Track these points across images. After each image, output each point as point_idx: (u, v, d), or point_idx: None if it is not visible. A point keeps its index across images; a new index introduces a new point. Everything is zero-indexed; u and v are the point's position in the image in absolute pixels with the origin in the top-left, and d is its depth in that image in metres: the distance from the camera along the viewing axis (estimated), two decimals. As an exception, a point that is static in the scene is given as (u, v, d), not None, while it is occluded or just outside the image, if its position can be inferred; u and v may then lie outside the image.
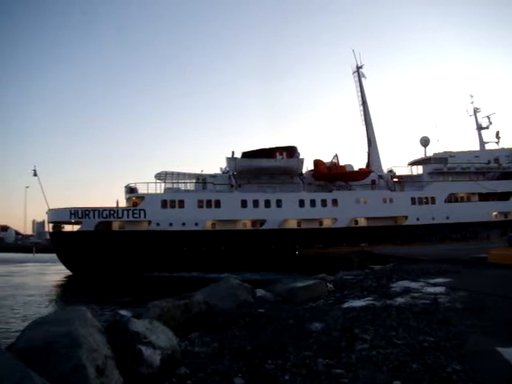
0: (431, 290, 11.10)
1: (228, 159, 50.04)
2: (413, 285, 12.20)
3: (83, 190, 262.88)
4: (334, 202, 48.70)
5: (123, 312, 8.02)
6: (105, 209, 45.33)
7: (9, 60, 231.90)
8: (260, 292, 11.24)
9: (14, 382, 3.27)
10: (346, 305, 9.55)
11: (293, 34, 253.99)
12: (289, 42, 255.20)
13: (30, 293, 32.23)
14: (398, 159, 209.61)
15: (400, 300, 9.70)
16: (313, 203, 48.18)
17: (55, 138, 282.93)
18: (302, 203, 47.94)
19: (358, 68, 57.56)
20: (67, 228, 47.75)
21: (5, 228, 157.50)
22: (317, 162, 51.62)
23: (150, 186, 47.70)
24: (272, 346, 6.11)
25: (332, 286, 13.29)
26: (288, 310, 8.79)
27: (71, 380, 4.04)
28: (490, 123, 59.99)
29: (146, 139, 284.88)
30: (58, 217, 46.28)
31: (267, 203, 47.32)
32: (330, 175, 50.93)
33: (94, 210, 45.06)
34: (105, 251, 42.79)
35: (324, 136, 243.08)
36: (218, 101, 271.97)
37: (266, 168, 49.59)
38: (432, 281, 12.83)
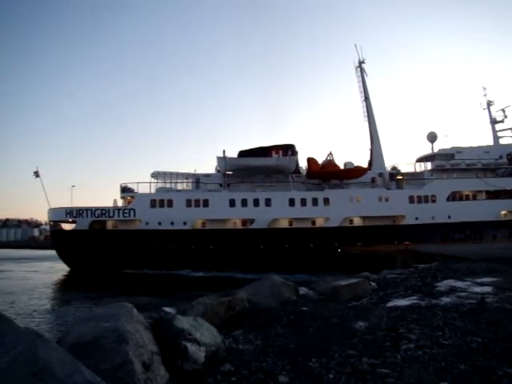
0: (478, 289, 10.80)
1: (219, 158, 49.91)
2: (459, 284, 11.89)
3: (89, 189, 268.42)
4: (326, 200, 47.76)
5: (167, 309, 8.16)
6: (97, 208, 47.20)
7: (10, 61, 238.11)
8: (303, 290, 11.21)
9: (65, 375, 3.38)
10: (390, 304, 9.41)
11: (293, 32, 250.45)
12: (288, 40, 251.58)
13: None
14: (407, 156, 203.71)
15: (445, 299, 9.48)
16: (303, 202, 47.48)
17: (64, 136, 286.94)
18: (292, 202, 47.35)
19: (360, 63, 56.17)
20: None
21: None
22: (310, 160, 50.68)
23: (144, 186, 49.31)
24: (316, 344, 6.10)
25: (375, 284, 13.14)
26: (331, 309, 8.75)
27: (119, 374, 4.15)
28: (505, 116, 56.97)
29: (147, 139, 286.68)
30: (56, 216, 48.67)
31: (256, 202, 47.11)
32: (323, 173, 50.14)
33: (87, 209, 47.03)
34: (97, 249, 44.70)
35: (327, 134, 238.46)
36: (217, 100, 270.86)
37: (257, 167, 49.33)
38: (479, 280, 12.46)
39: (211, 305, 7.41)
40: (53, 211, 48.65)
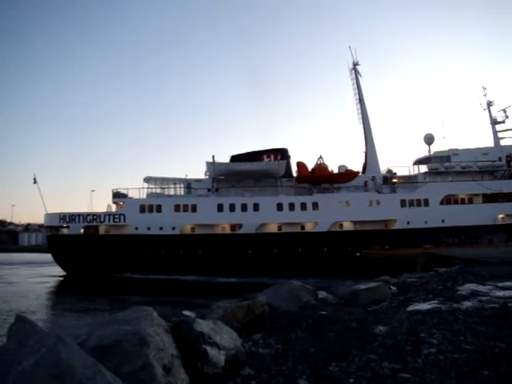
0: (500, 293, 10.64)
1: (207, 164, 49.88)
2: (480, 288, 11.73)
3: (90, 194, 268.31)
4: (315, 205, 47.30)
5: (187, 312, 8.21)
6: (89, 214, 48.27)
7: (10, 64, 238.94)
8: (322, 294, 11.17)
9: (87, 377, 3.41)
10: (410, 308, 9.31)
11: (288, 35, 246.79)
12: (284, 43, 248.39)
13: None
14: (405, 159, 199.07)
15: (467, 304, 9.36)
16: (292, 207, 47.11)
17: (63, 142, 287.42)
18: (280, 207, 47.06)
19: (355, 65, 55.51)
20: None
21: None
22: (299, 165, 50.49)
23: (136, 191, 50.17)
24: (335, 348, 6.07)
25: (395, 288, 13.02)
26: (351, 313, 8.69)
27: (140, 377, 4.18)
28: (506, 117, 54.86)
29: (145, 143, 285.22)
30: (51, 221, 49.53)
31: (244, 207, 46.97)
32: (313, 177, 49.79)
33: (79, 215, 47.93)
34: (90, 253, 45.52)
35: (322, 138, 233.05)
36: (214, 104, 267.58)
37: (246, 172, 49.14)
38: (501, 284, 12.28)
39: (230, 308, 7.41)
40: (48, 216, 49.65)
